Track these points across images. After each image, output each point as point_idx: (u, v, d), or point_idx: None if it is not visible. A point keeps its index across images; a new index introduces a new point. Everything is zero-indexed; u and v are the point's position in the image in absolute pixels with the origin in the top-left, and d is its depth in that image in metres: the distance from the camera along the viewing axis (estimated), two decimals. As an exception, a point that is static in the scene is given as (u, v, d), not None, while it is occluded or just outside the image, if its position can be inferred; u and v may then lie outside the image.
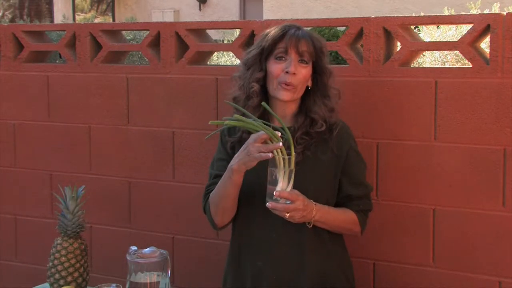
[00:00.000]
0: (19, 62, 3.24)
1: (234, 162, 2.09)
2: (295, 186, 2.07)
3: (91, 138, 3.12)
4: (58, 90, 3.18)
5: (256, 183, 2.13)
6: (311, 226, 2.15)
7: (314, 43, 2.20)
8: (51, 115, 3.20)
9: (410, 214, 2.56)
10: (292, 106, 2.24)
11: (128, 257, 2.16)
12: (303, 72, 2.18)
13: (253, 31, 2.78)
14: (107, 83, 3.07)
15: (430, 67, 2.79)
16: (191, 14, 18.65)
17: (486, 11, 5.10)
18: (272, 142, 2.01)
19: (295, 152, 2.04)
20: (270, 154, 1.99)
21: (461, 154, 2.47)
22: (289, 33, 2.18)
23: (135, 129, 3.04)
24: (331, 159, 2.22)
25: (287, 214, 2.06)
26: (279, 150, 2.00)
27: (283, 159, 2.00)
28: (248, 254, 2.25)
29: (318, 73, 2.23)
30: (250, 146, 2.03)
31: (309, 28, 2.45)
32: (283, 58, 2.17)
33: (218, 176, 2.26)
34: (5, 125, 3.30)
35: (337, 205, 2.25)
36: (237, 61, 3.41)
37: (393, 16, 2.61)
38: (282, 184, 2.02)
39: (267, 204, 2.05)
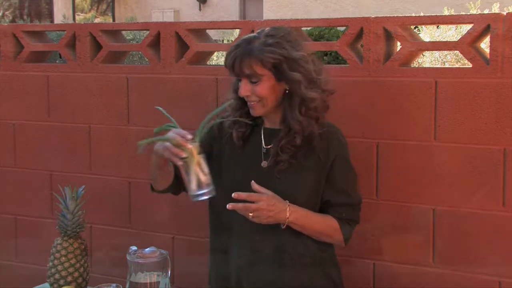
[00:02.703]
0: (19, 62, 3.24)
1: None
2: (279, 194, 2.11)
3: (91, 138, 3.12)
4: (58, 90, 3.18)
5: (238, 186, 2.14)
6: (284, 227, 2.14)
7: (263, 58, 2.14)
8: (51, 115, 3.20)
9: (410, 214, 2.56)
10: (275, 114, 2.23)
11: (128, 257, 2.16)
12: (258, 90, 2.17)
13: (253, 31, 2.78)
14: (107, 83, 3.07)
15: (430, 67, 2.79)
16: (191, 14, 18.64)
17: (486, 11, 5.10)
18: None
19: (278, 158, 2.14)
20: (179, 163, 2.05)
21: (461, 154, 2.47)
22: (233, 58, 2.16)
23: (135, 129, 3.03)
24: (317, 166, 2.21)
25: (250, 214, 2.08)
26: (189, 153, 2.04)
27: (186, 161, 2.04)
28: (232, 255, 2.25)
29: (285, 82, 2.18)
30: (167, 143, 2.09)
31: (308, 28, 2.45)
32: (240, 80, 2.19)
33: None
34: (5, 125, 3.30)
35: (319, 211, 2.24)
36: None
37: (393, 16, 2.61)
38: (193, 183, 2.04)
39: (227, 205, 2.07)
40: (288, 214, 2.12)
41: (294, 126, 2.18)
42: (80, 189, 2.40)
